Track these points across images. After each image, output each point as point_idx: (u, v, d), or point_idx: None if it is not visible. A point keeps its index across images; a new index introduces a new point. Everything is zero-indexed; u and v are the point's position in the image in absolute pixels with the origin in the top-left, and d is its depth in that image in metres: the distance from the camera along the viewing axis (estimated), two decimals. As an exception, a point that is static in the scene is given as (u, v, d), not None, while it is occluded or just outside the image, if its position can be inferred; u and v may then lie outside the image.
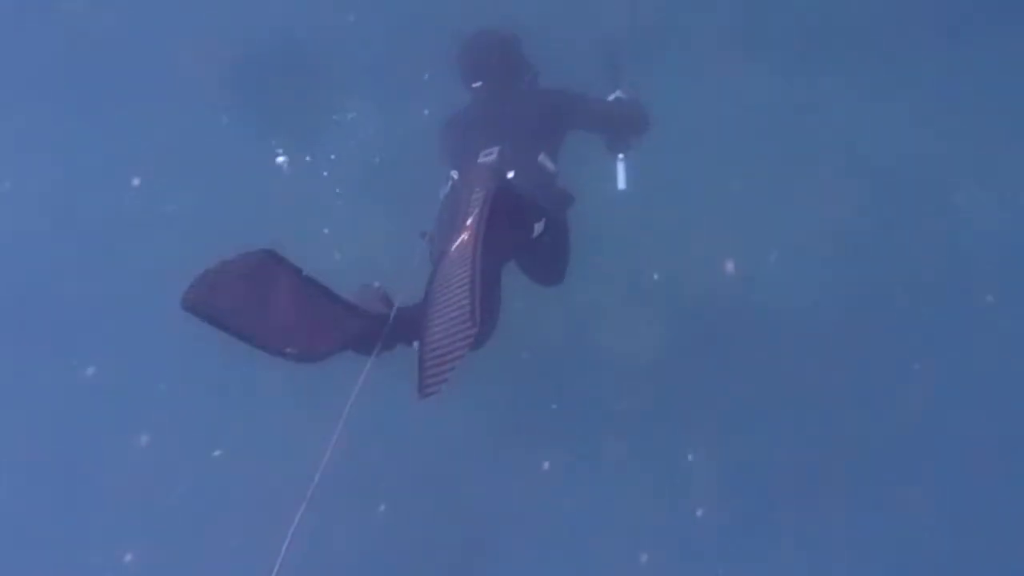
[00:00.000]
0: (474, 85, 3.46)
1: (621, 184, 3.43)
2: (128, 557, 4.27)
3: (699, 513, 4.03)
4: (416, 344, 2.34)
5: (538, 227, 2.71)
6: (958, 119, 4.40)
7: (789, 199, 4.39)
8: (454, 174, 3.14)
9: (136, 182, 4.91)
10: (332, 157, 4.78)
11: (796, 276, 4.30)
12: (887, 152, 4.42)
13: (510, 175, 2.93)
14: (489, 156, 3.04)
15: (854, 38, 4.64)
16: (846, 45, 4.63)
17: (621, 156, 3.47)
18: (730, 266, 4.33)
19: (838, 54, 4.60)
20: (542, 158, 3.13)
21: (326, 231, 4.64)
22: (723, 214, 4.37)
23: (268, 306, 2.23)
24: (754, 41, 4.68)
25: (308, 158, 4.80)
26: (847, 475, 3.99)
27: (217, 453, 4.40)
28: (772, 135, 4.47)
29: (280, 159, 4.78)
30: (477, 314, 2.10)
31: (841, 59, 4.59)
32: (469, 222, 2.32)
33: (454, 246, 2.39)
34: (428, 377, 2.19)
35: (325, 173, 4.76)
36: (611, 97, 3.54)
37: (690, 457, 4.16)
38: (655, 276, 4.38)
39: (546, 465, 4.19)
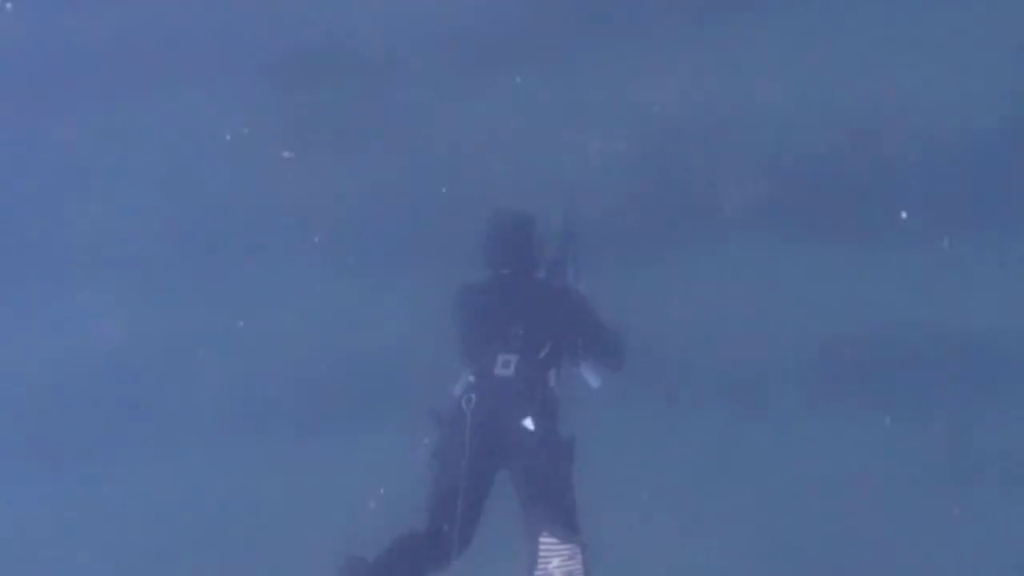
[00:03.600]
0: (503, 272, 3.47)
1: (594, 383, 3.41)
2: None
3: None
4: None
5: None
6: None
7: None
8: (471, 379, 3.21)
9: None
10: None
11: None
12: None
13: (527, 423, 3.06)
14: (507, 369, 3.17)
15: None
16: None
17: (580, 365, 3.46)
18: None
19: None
20: (552, 382, 3.24)
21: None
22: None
23: None
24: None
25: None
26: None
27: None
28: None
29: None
30: None
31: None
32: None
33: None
34: None
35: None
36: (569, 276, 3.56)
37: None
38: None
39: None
